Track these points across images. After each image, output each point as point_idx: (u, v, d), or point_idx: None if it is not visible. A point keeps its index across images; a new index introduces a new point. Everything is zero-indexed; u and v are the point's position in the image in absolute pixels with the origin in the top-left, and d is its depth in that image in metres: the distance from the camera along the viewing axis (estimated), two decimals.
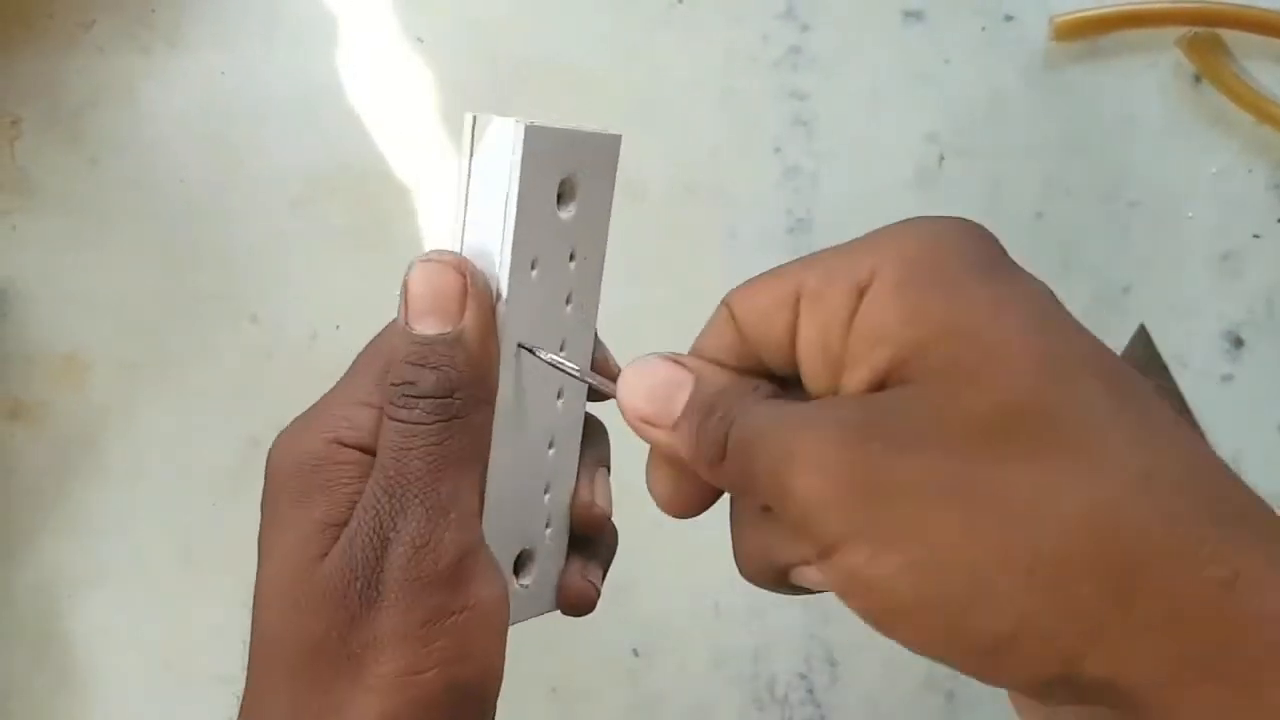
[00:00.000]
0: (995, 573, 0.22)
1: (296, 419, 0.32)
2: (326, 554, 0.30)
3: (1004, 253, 0.26)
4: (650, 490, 0.30)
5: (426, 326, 0.30)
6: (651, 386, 0.28)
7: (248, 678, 0.31)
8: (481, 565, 0.31)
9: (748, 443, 0.26)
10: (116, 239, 0.59)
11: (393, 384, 0.30)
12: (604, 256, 0.34)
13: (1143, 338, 0.57)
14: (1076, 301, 0.60)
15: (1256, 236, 0.57)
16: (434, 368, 0.30)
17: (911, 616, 0.23)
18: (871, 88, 0.58)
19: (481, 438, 0.31)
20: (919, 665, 0.56)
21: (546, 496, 0.35)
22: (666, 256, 0.57)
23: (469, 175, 0.31)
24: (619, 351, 0.41)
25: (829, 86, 0.58)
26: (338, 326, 0.58)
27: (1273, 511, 0.23)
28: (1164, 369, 0.57)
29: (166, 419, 0.58)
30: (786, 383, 0.28)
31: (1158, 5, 0.56)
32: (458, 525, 0.30)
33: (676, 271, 0.57)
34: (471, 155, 0.31)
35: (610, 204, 0.34)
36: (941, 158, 0.57)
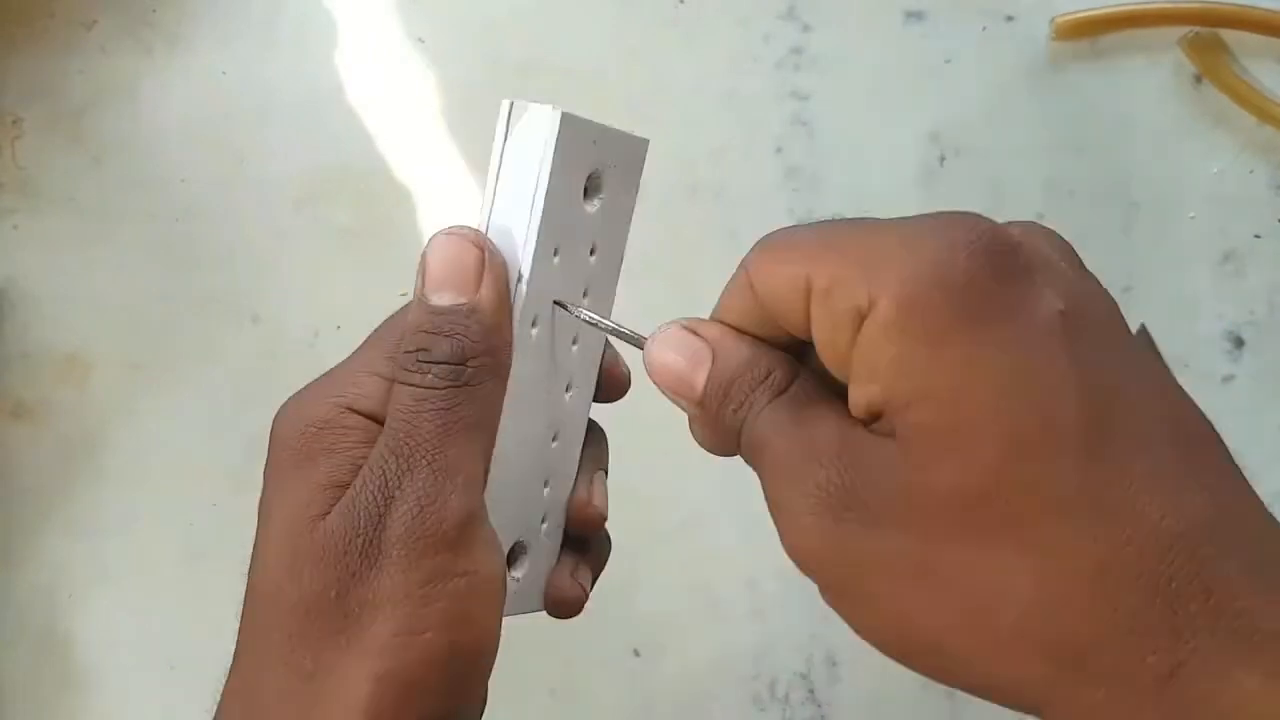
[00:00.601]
0: (957, 643, 0.24)
1: (304, 388, 0.33)
2: (327, 513, 0.30)
3: (1011, 277, 0.24)
4: (692, 435, 0.31)
5: (443, 297, 0.31)
6: (674, 360, 0.29)
7: (238, 640, 0.31)
8: (483, 534, 0.31)
9: (755, 451, 0.27)
10: (118, 239, 0.59)
11: (406, 351, 0.31)
12: (622, 256, 0.35)
13: (1143, 338, 0.57)
14: None
15: (1257, 237, 0.57)
16: (448, 336, 0.30)
17: (892, 652, 0.26)
18: (873, 88, 0.58)
19: (490, 409, 0.31)
20: None
21: (545, 490, 0.35)
22: (667, 257, 0.57)
23: (501, 158, 0.32)
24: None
25: (830, 87, 0.58)
26: (339, 326, 0.58)
27: (1247, 584, 0.23)
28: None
29: (168, 419, 0.58)
30: (806, 348, 0.28)
31: (1159, 5, 0.56)
32: (463, 489, 0.30)
33: (677, 272, 0.57)
34: (506, 139, 0.32)
35: (633, 205, 0.34)
36: (942, 158, 0.57)
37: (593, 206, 0.33)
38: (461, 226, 0.32)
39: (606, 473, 0.37)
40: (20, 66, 0.59)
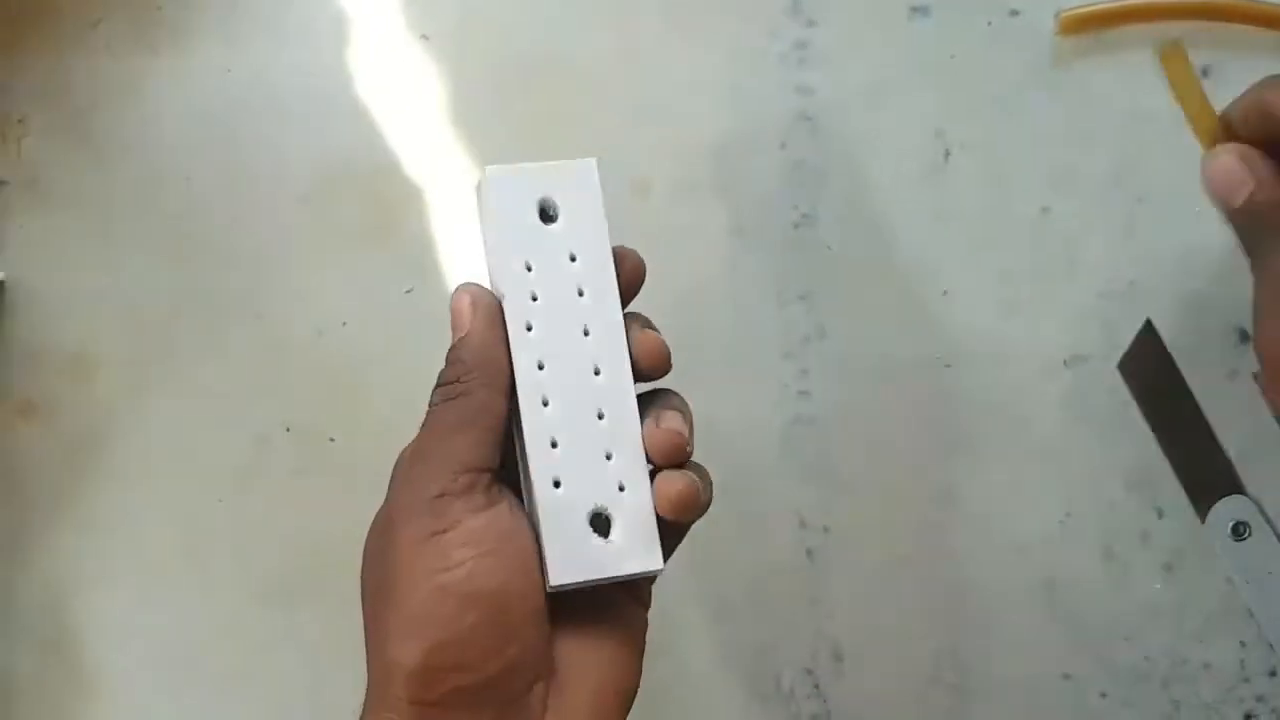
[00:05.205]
0: None
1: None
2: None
3: None
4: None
5: (453, 338, 0.40)
6: (1220, 177, 0.41)
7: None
8: (463, 499, 0.37)
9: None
10: (123, 237, 0.59)
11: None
12: (609, 254, 0.40)
13: (1149, 333, 0.57)
14: (1083, 297, 0.60)
15: None
16: (449, 364, 0.39)
17: None
18: (877, 83, 0.58)
19: (481, 408, 0.38)
20: (925, 660, 0.56)
21: (610, 463, 0.39)
22: (671, 253, 0.57)
23: (480, 214, 0.41)
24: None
25: (835, 82, 0.58)
26: (344, 324, 0.58)
27: None
28: (1171, 364, 0.56)
29: (174, 417, 0.58)
30: None
31: None
32: (437, 469, 0.38)
33: (681, 268, 0.57)
34: (480, 201, 0.41)
35: (600, 212, 0.40)
36: (948, 153, 0.57)
37: (556, 226, 0.40)
38: (466, 283, 0.40)
39: (684, 414, 0.40)
40: (25, 65, 0.59)
